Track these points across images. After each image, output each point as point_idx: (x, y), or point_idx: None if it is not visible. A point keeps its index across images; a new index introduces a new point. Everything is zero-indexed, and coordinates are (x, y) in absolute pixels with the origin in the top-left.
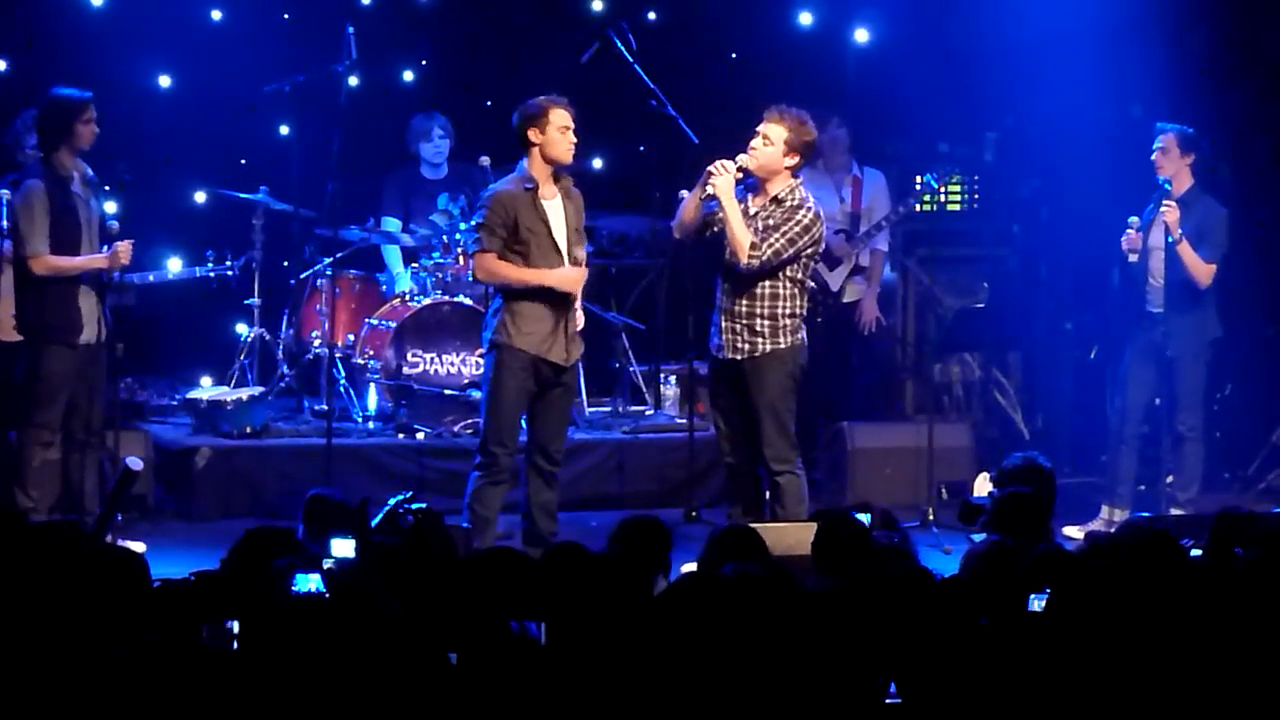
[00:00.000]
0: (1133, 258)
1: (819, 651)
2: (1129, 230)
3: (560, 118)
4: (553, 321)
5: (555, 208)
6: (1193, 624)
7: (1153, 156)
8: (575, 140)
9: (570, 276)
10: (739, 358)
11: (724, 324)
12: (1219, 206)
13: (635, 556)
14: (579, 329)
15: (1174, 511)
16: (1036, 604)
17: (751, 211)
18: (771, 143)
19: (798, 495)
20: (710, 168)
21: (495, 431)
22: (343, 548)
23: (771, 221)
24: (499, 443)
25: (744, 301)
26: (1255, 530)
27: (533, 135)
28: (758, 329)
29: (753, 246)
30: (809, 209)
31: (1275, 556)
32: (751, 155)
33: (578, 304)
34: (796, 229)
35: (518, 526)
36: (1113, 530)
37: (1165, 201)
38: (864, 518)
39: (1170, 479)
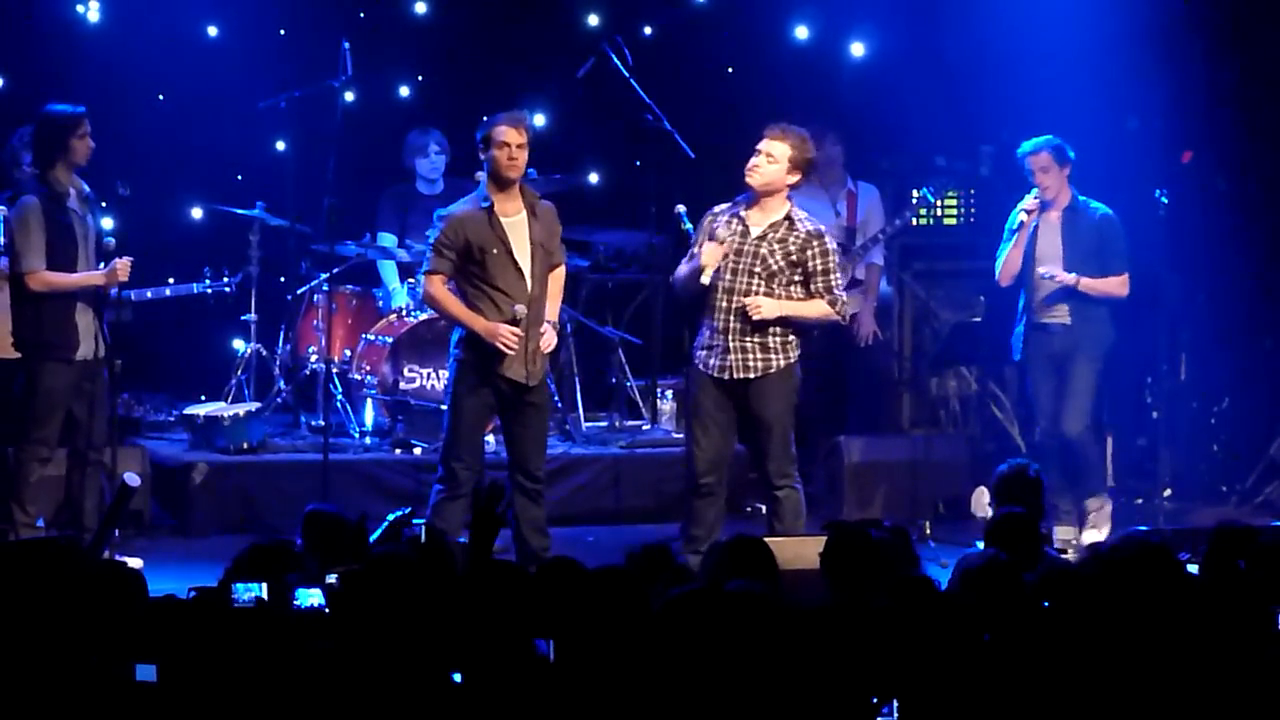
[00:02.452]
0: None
1: (821, 670)
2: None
3: (500, 134)
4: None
5: (518, 225)
6: (1192, 638)
7: (1035, 178)
8: (516, 156)
9: (500, 334)
10: (751, 376)
11: (731, 344)
12: (1106, 210)
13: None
14: (547, 349)
15: (1164, 525)
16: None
17: (756, 233)
18: (775, 160)
19: (796, 509)
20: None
21: (454, 446)
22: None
23: (791, 247)
24: (457, 457)
25: (755, 320)
26: (1255, 544)
27: (482, 154)
28: (771, 346)
29: (831, 304)
30: (823, 231)
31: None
32: (754, 172)
33: (544, 325)
34: (835, 259)
35: (512, 542)
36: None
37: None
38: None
39: (1167, 492)
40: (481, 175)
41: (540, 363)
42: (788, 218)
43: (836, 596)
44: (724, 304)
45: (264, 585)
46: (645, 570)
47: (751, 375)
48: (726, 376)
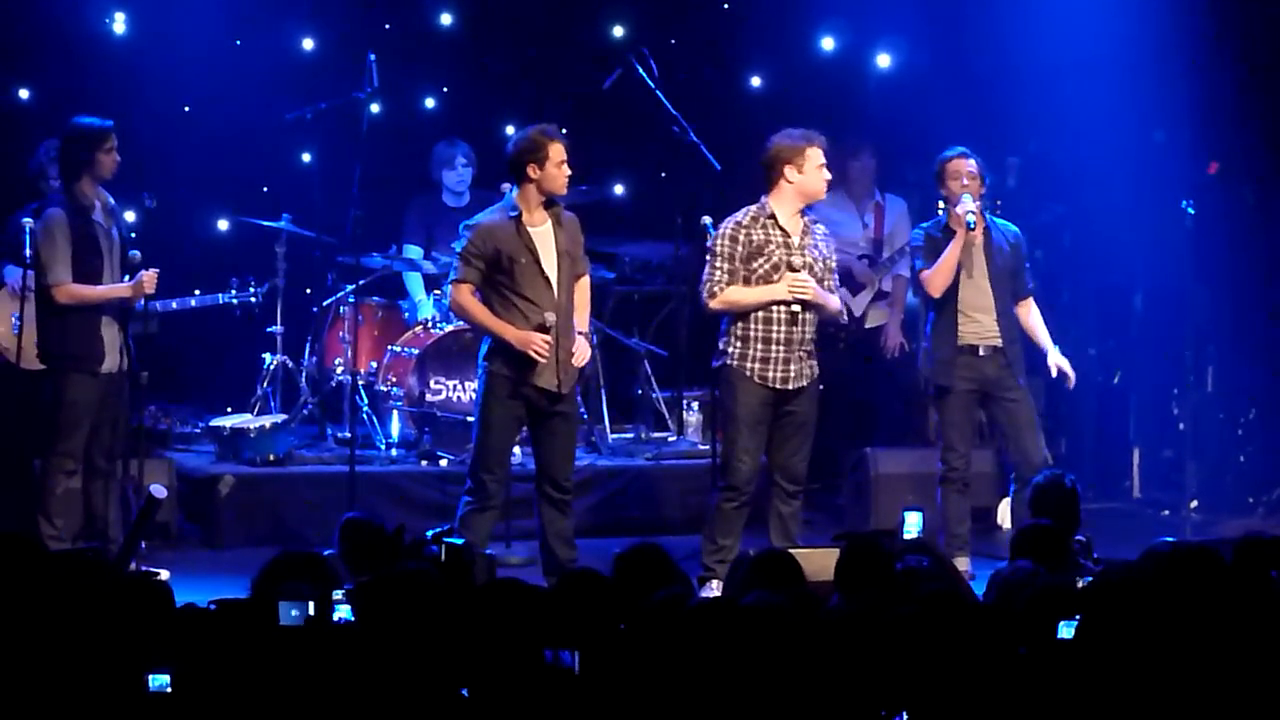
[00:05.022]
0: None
1: (842, 682)
2: (970, 211)
3: (558, 152)
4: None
5: (544, 234)
6: (1238, 647)
7: (964, 182)
8: (570, 171)
9: (532, 341)
10: (805, 384)
11: (792, 355)
12: (1016, 229)
13: (638, 583)
14: (582, 362)
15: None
16: (1066, 631)
17: (797, 241)
18: None
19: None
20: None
21: (482, 457)
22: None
23: (823, 247)
24: (486, 469)
25: (809, 328)
26: None
27: (531, 170)
28: (814, 352)
29: (838, 300)
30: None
31: None
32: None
33: (577, 339)
34: None
35: (539, 553)
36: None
37: None
38: (917, 517)
39: (1194, 504)
40: (507, 186)
41: (571, 371)
42: (807, 219)
43: (851, 607)
44: (784, 315)
45: (310, 604)
46: (635, 573)
47: (805, 383)
48: (790, 386)
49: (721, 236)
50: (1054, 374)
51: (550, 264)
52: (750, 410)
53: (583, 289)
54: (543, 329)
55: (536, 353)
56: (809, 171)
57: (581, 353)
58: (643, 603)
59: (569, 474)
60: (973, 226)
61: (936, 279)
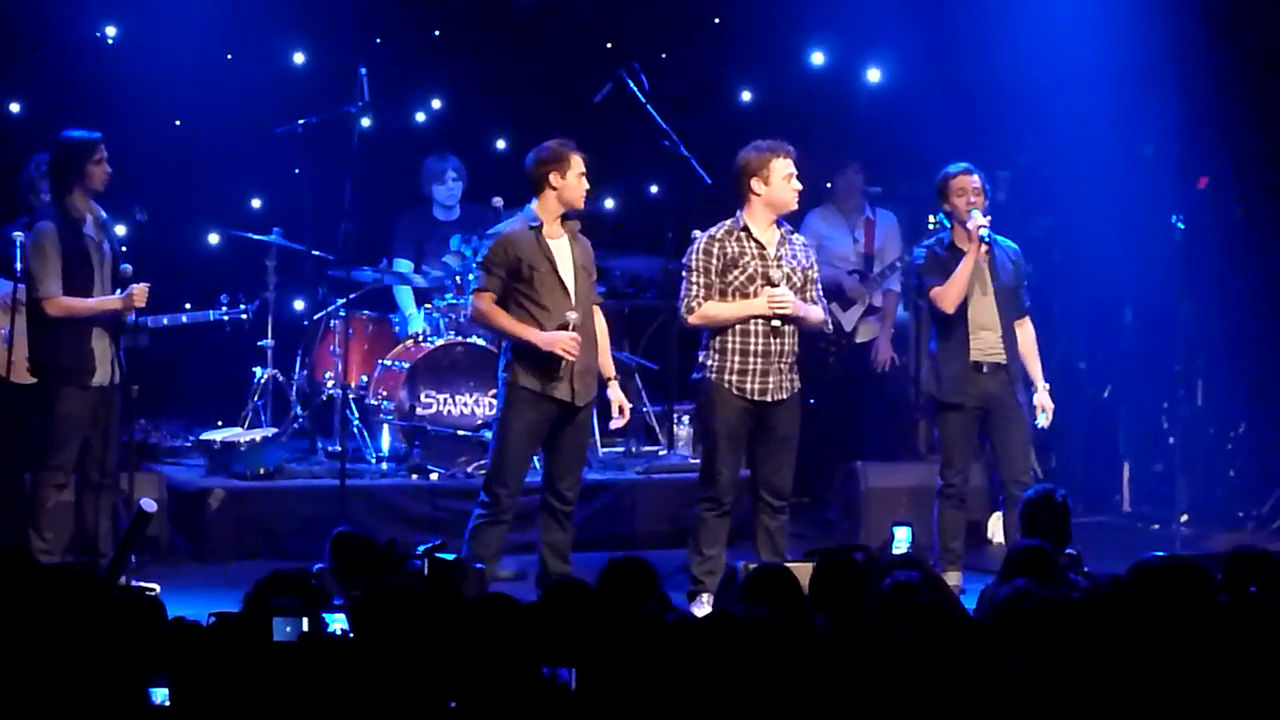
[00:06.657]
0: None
1: (835, 698)
2: (981, 223)
3: (579, 164)
4: (558, 360)
5: (562, 246)
6: (1222, 663)
7: (969, 198)
8: (588, 185)
9: (559, 340)
10: (785, 397)
11: (771, 368)
12: (1013, 244)
13: (624, 597)
14: (623, 423)
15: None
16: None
17: (773, 251)
18: None
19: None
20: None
21: (499, 470)
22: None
23: (801, 257)
24: (501, 482)
25: (789, 341)
26: (1269, 569)
27: (553, 179)
28: (794, 366)
29: (823, 312)
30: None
31: None
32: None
33: (610, 386)
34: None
35: (533, 567)
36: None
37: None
38: (905, 533)
39: (1184, 517)
40: (499, 201)
41: (586, 383)
42: (784, 230)
43: (827, 623)
44: (763, 328)
45: (305, 620)
46: (618, 587)
47: (785, 396)
48: (770, 399)
49: (696, 252)
50: (1037, 414)
51: (568, 275)
52: (728, 423)
53: (601, 324)
54: (565, 328)
55: (566, 351)
56: (775, 183)
57: (622, 411)
58: (625, 617)
59: (572, 486)
60: (988, 239)
61: (950, 294)
